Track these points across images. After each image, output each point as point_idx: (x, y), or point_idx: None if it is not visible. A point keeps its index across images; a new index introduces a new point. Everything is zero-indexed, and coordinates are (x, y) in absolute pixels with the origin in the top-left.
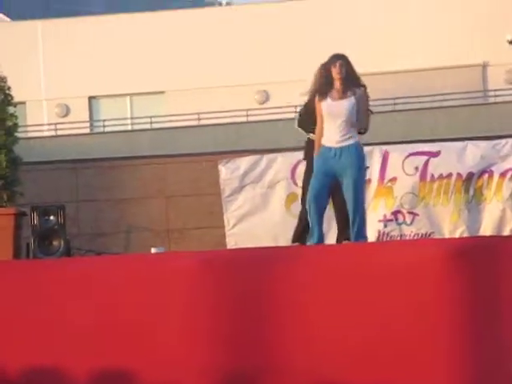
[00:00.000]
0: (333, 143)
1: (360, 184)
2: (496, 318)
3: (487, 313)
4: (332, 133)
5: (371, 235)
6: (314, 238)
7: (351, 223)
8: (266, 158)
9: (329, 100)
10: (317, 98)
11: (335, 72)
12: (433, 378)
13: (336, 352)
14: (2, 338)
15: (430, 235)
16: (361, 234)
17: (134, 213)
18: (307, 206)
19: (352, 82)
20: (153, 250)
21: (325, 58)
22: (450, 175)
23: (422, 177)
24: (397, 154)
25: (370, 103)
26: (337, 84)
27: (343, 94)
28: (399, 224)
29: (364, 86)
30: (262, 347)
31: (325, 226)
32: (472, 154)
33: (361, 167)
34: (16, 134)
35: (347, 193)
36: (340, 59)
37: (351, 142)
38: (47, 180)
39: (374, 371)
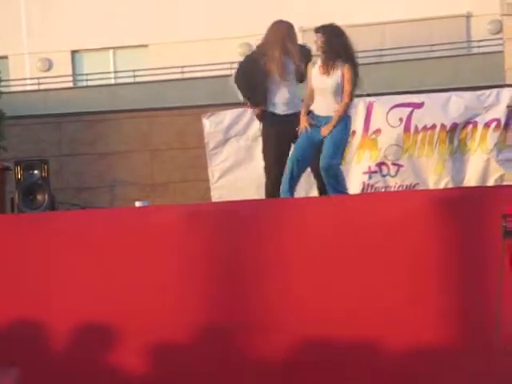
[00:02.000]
0: (320, 112)
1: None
2: (481, 265)
3: (472, 261)
4: (319, 103)
5: (356, 187)
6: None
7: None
8: (250, 111)
9: (315, 72)
10: (309, 65)
11: (316, 46)
12: (424, 323)
13: (324, 307)
14: None
15: (414, 186)
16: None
17: (118, 167)
18: (291, 165)
19: (336, 55)
20: (137, 204)
21: (309, 10)
22: (434, 126)
23: (406, 128)
24: (381, 105)
25: (356, 54)
26: (321, 58)
27: (326, 70)
28: (384, 175)
29: (350, 62)
30: (247, 301)
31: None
32: (456, 105)
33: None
34: None
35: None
36: (319, 31)
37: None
38: (31, 134)
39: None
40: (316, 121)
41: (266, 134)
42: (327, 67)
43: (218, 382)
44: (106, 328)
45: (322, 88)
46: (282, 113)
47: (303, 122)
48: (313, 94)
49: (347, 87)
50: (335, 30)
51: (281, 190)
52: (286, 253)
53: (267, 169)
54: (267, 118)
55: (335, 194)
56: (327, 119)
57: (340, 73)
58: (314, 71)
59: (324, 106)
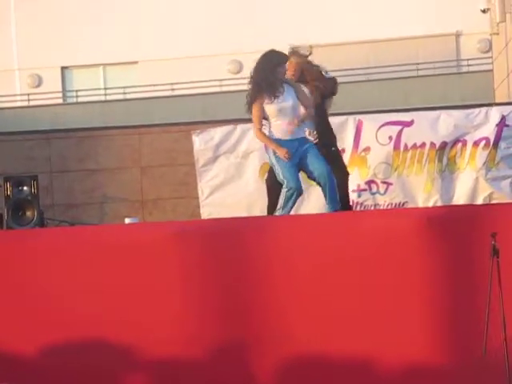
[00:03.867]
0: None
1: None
2: (470, 284)
3: (461, 279)
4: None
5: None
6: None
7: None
8: (240, 127)
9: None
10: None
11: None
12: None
13: (316, 319)
14: None
15: (403, 204)
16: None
17: (108, 183)
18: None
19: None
20: (127, 221)
21: (298, 28)
22: (423, 145)
23: (396, 146)
24: (370, 123)
25: (343, 73)
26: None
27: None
28: (373, 193)
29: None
30: (238, 316)
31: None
32: (445, 124)
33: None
34: None
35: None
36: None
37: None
38: (20, 150)
39: (361, 334)
40: (285, 145)
41: None
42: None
43: None
44: (98, 343)
45: (282, 109)
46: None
47: (281, 151)
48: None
49: (304, 104)
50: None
51: (283, 207)
52: (276, 268)
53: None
54: None
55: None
56: (297, 140)
57: (298, 92)
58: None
59: (285, 127)
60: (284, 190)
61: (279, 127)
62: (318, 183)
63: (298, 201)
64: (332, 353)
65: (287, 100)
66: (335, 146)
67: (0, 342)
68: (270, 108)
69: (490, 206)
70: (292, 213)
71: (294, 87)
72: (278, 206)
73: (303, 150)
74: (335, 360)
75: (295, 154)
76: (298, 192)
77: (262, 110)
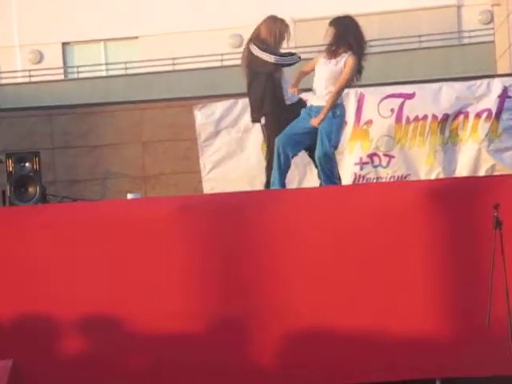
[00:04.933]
0: (313, 101)
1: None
2: (473, 256)
3: (464, 251)
4: (314, 91)
5: (347, 178)
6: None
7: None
8: (242, 102)
9: (321, 61)
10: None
11: (326, 37)
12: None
13: (320, 293)
14: None
15: (406, 177)
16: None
17: (110, 159)
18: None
19: (346, 47)
20: (129, 196)
21: (299, 0)
22: (425, 117)
23: (398, 119)
24: (372, 96)
25: None
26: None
27: (331, 56)
28: (375, 166)
29: (357, 54)
30: (241, 291)
31: (301, 171)
32: (447, 96)
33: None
34: None
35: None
36: (331, 25)
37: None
38: (22, 127)
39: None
40: (309, 110)
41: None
42: (332, 56)
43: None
44: (104, 323)
45: (321, 75)
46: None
47: (292, 89)
48: (302, 76)
49: (343, 77)
50: (348, 24)
51: (271, 182)
52: (276, 245)
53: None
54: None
55: (328, 184)
56: (319, 109)
57: (343, 62)
58: (321, 61)
59: (317, 94)
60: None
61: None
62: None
63: (299, 175)
64: (335, 326)
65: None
66: None
67: (5, 320)
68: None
69: (493, 178)
70: (295, 186)
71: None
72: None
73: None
74: (338, 334)
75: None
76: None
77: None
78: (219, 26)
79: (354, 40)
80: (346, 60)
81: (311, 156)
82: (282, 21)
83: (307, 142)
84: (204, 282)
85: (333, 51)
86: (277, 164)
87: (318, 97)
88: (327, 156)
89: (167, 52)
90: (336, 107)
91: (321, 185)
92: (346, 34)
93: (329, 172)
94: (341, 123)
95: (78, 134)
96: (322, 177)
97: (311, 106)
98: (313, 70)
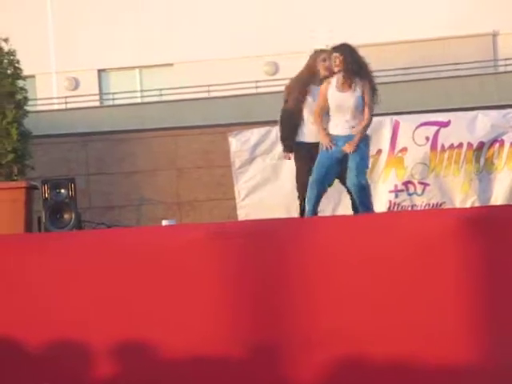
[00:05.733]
0: (336, 131)
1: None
2: (510, 287)
3: (500, 282)
4: (336, 121)
5: (382, 205)
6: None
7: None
8: (276, 129)
9: (332, 90)
10: (323, 84)
11: (333, 65)
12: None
13: (353, 323)
14: (16, 311)
15: (441, 205)
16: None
17: (144, 185)
18: (313, 184)
19: (354, 73)
20: (164, 223)
21: (334, 27)
22: (460, 145)
23: (433, 147)
24: (407, 123)
25: (381, 74)
26: (338, 76)
27: (347, 87)
28: (410, 194)
29: (369, 79)
30: (274, 319)
31: (335, 198)
32: (482, 124)
33: (363, 156)
34: (26, 108)
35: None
36: (336, 51)
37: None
38: (57, 153)
39: (393, 340)
40: (334, 140)
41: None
42: (347, 84)
43: None
44: (134, 349)
45: (341, 105)
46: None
47: (326, 140)
48: (323, 112)
49: (368, 106)
50: (351, 49)
51: (306, 211)
52: (309, 273)
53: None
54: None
55: (365, 211)
56: (347, 138)
57: (360, 90)
58: (331, 89)
59: (342, 124)
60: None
61: (333, 122)
62: (349, 192)
63: (334, 202)
64: (368, 355)
65: (349, 98)
66: None
67: (37, 347)
68: (332, 101)
69: None
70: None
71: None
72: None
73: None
74: (371, 363)
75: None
76: (317, 184)
77: (326, 99)
78: (254, 53)
79: (360, 67)
80: (363, 90)
81: (343, 183)
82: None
83: (339, 170)
84: (237, 308)
85: (347, 81)
86: (310, 193)
87: (344, 127)
88: (363, 183)
89: (202, 79)
90: (365, 137)
91: (354, 213)
92: (354, 62)
93: (365, 198)
94: (369, 154)
95: (112, 160)
96: (356, 205)
97: (336, 135)
98: (326, 102)
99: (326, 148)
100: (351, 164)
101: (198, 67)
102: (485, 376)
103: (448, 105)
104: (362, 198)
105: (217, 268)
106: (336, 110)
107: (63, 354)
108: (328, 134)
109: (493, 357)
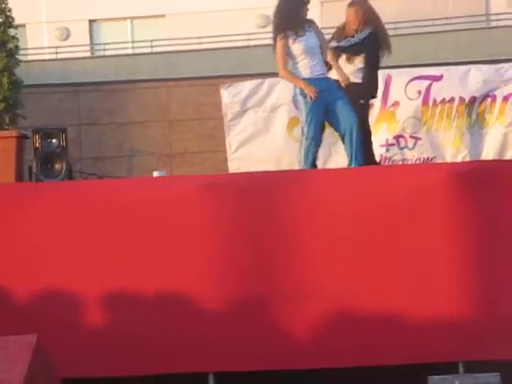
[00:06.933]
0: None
1: None
2: (497, 239)
3: (490, 235)
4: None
5: None
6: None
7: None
8: (268, 82)
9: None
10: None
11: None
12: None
13: (344, 276)
14: (6, 260)
15: (431, 160)
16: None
17: (136, 136)
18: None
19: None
20: (155, 174)
21: None
22: (452, 99)
23: (425, 101)
24: (399, 78)
25: None
26: None
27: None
28: (401, 148)
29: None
30: (264, 272)
31: (325, 152)
32: (475, 78)
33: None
34: (17, 57)
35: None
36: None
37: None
38: (49, 103)
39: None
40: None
41: None
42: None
43: (243, 352)
44: (130, 297)
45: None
46: None
47: (309, 89)
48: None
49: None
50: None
51: (304, 161)
52: (304, 223)
53: None
54: None
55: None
56: (326, 80)
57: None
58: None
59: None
60: (303, 139)
61: (306, 65)
62: (342, 137)
63: (323, 156)
64: (360, 308)
65: (312, 39)
66: (365, 98)
67: (29, 296)
68: (296, 47)
69: None
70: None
71: (315, 28)
72: (299, 161)
73: (333, 95)
74: (362, 315)
75: (322, 94)
76: (315, 142)
77: (288, 48)
78: (246, 5)
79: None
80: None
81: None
82: None
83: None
84: (229, 261)
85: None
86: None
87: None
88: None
89: (194, 31)
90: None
91: (350, 158)
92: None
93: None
94: None
95: (104, 111)
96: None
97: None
98: None
99: (312, 96)
100: (343, 106)
101: (189, 19)
102: (478, 327)
103: (439, 59)
104: (357, 142)
105: (207, 220)
106: (304, 53)
107: (50, 303)
108: (307, 83)
109: (485, 308)
